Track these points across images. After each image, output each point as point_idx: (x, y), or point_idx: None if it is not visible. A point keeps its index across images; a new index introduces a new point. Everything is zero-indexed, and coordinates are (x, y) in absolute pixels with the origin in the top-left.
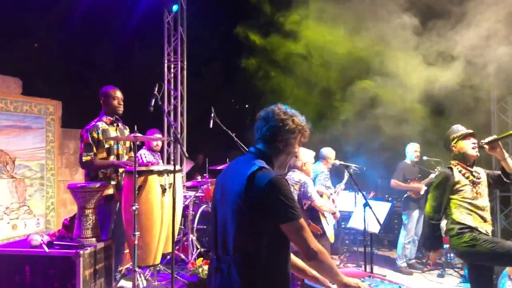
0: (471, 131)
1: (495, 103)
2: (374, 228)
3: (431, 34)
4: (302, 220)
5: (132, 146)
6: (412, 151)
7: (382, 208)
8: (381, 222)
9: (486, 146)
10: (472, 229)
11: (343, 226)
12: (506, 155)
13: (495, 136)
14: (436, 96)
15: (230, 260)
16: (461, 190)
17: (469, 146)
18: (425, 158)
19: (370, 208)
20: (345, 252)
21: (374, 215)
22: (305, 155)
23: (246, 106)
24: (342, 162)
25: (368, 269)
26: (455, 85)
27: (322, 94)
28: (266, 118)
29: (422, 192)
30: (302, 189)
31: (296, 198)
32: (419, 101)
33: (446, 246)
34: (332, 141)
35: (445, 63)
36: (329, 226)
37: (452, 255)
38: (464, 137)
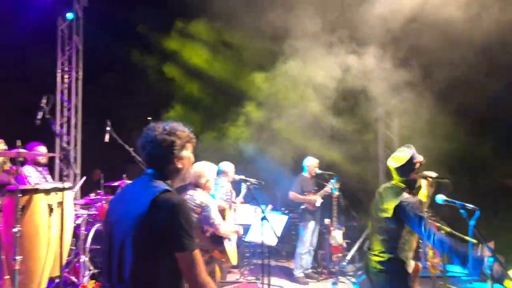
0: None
1: (382, 121)
2: (271, 240)
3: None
4: (197, 252)
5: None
6: (310, 165)
7: (279, 221)
8: (278, 234)
9: (430, 179)
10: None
11: (243, 239)
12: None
13: (437, 175)
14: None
15: None
16: None
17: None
18: (319, 171)
19: (268, 221)
20: (246, 265)
21: (271, 228)
22: (208, 171)
23: (149, 118)
24: (241, 177)
25: (266, 281)
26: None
27: (218, 113)
28: (152, 143)
29: (318, 204)
30: (204, 213)
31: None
32: (312, 122)
33: (339, 255)
34: (231, 156)
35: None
36: (232, 247)
37: (345, 263)
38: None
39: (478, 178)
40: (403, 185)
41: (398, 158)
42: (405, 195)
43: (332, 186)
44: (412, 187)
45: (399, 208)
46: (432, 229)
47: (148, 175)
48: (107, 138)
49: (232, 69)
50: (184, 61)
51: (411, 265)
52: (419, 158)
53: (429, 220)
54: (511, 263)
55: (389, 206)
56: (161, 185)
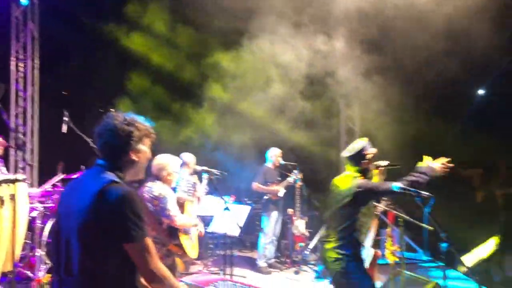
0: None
1: (344, 112)
2: (234, 231)
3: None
4: (147, 240)
5: None
6: (273, 155)
7: (242, 211)
8: (241, 225)
9: (381, 168)
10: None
11: (206, 230)
12: None
13: (388, 162)
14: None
15: (73, 283)
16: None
17: (371, 166)
18: (282, 162)
19: (230, 212)
20: (209, 256)
21: (234, 218)
22: (171, 164)
23: (112, 110)
24: (204, 168)
25: (228, 272)
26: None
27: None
28: (111, 131)
29: (281, 195)
30: (161, 205)
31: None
32: (275, 112)
33: (302, 244)
34: (192, 147)
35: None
36: (191, 240)
37: (307, 252)
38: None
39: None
40: (357, 174)
41: (350, 148)
42: (360, 179)
43: (295, 177)
44: (366, 176)
45: (357, 189)
46: (391, 183)
47: (99, 166)
48: (64, 128)
49: (194, 50)
50: (143, 40)
51: (371, 252)
52: (372, 150)
53: (387, 208)
54: (464, 250)
55: (346, 192)
56: (109, 176)
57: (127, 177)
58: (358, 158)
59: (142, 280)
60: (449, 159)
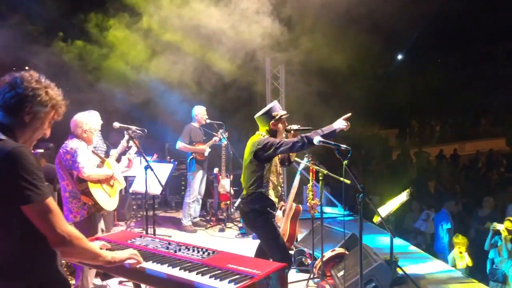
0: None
1: (269, 72)
2: (156, 190)
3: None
4: (49, 200)
5: None
6: (198, 113)
7: (164, 170)
8: (163, 183)
9: (292, 131)
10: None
11: (129, 191)
12: None
13: (299, 126)
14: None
15: None
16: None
17: (283, 128)
18: (208, 121)
19: (152, 170)
20: (132, 217)
21: (156, 176)
22: (89, 120)
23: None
24: (122, 125)
25: (150, 232)
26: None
27: None
28: (12, 83)
29: (206, 154)
30: (72, 159)
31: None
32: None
33: (227, 202)
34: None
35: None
36: (107, 195)
37: (232, 210)
38: (283, 118)
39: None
40: (265, 133)
41: (262, 110)
42: (261, 137)
43: (220, 136)
44: (274, 136)
45: (257, 147)
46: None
47: None
48: None
49: None
50: None
51: (292, 207)
52: (281, 112)
53: (309, 164)
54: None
55: (250, 150)
56: None
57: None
58: (266, 118)
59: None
60: (349, 114)
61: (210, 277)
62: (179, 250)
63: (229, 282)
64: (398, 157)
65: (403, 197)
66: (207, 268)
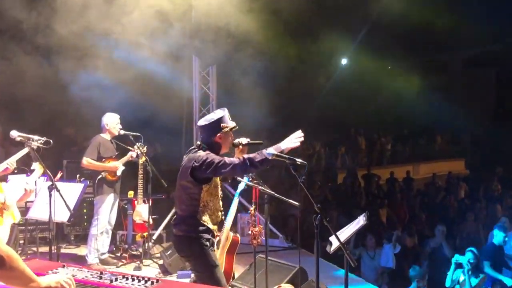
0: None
1: (197, 75)
2: (62, 216)
3: None
4: None
5: None
6: (110, 122)
7: (73, 191)
8: (72, 207)
9: (240, 146)
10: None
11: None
12: None
13: (248, 140)
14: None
15: None
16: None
17: (229, 141)
18: (123, 132)
19: (58, 191)
20: (20, 254)
21: (63, 199)
22: None
23: None
24: (21, 134)
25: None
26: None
27: None
28: None
29: (119, 173)
30: None
31: None
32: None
33: (144, 235)
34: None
35: None
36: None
37: (151, 244)
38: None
39: None
40: (204, 146)
41: (207, 117)
42: (201, 152)
43: (138, 151)
44: (215, 152)
45: (193, 164)
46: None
47: None
48: None
49: None
50: None
51: (229, 237)
52: (231, 124)
53: (252, 183)
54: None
55: (187, 164)
56: None
57: None
58: (211, 129)
59: None
60: (301, 133)
61: None
62: (115, 280)
63: None
64: (344, 180)
65: (361, 221)
66: None
